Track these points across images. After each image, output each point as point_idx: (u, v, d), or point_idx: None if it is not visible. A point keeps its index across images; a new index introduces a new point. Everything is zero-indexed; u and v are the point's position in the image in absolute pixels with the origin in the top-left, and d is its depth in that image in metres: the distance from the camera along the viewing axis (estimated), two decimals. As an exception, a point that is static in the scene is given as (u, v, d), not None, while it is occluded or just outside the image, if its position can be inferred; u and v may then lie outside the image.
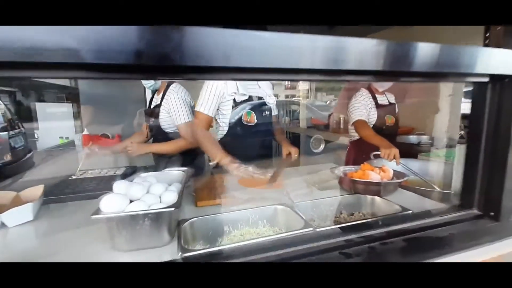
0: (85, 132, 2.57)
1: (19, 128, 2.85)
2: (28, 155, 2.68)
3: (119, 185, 0.85)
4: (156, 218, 0.73)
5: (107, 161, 2.04)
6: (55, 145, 2.70)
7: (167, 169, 1.21)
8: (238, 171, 1.26)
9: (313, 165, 1.87)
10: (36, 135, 2.78)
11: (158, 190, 0.86)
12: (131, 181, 1.01)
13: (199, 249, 0.81)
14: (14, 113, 2.77)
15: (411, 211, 0.99)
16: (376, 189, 1.14)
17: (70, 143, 2.75)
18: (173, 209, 0.72)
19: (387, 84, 2.02)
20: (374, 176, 1.17)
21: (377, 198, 1.15)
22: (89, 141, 2.57)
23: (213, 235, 0.98)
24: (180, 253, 0.73)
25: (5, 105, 2.82)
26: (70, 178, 1.91)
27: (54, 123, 2.90)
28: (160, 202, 0.83)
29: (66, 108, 2.90)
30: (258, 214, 1.05)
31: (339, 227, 0.87)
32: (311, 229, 0.86)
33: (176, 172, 1.18)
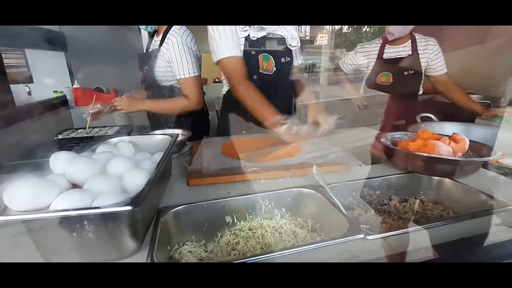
0: (76, 85, 2.26)
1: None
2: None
3: (57, 159, 0.54)
4: (103, 220, 0.43)
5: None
6: (48, 98, 2.44)
7: (151, 133, 0.89)
8: (287, 134, 0.92)
9: (341, 128, 1.49)
10: (27, 88, 2.52)
11: (119, 167, 0.55)
12: (94, 150, 0.71)
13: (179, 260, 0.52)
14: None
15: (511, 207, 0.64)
16: (449, 168, 0.78)
17: (64, 97, 2.49)
18: (126, 208, 0.41)
19: (399, 31, 1.51)
20: (444, 148, 0.81)
21: (446, 180, 0.80)
22: (81, 96, 2.28)
23: (209, 228, 0.69)
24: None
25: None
26: (55, 138, 1.67)
27: (47, 74, 2.60)
28: (124, 189, 0.52)
29: (59, 57, 2.56)
30: (275, 200, 0.74)
31: (406, 232, 0.55)
32: (361, 236, 0.54)
33: (161, 137, 0.85)
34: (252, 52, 1.09)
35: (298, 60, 1.31)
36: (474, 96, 2.23)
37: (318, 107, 1.16)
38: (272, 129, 0.93)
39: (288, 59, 1.21)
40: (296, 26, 1.30)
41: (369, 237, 0.54)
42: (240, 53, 1.08)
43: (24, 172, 0.47)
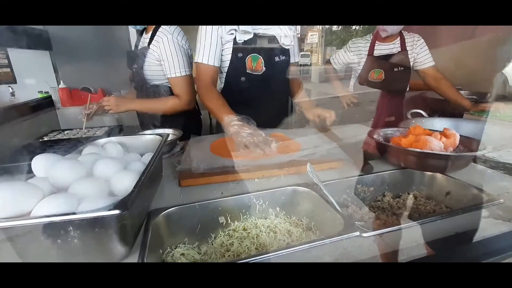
0: (62, 85, 2.19)
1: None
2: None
3: (40, 162, 0.51)
4: (89, 225, 0.41)
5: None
6: (33, 99, 2.37)
7: (140, 133, 0.86)
8: (236, 136, 0.90)
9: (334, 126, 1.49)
10: (11, 89, 2.43)
11: (106, 169, 0.53)
12: (80, 151, 0.68)
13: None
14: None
15: (502, 200, 0.65)
16: (441, 163, 0.78)
17: (49, 98, 2.41)
18: (114, 212, 0.39)
19: (392, 29, 1.56)
20: (436, 144, 0.81)
21: (438, 175, 0.81)
22: (67, 96, 2.21)
23: (203, 229, 0.67)
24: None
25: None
26: (40, 140, 1.61)
27: (31, 73, 2.51)
28: (111, 192, 0.50)
29: (43, 56, 2.47)
30: (269, 199, 0.73)
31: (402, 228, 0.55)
32: (357, 233, 0.53)
33: (151, 137, 0.83)
34: (239, 54, 1.09)
35: (296, 59, 1.29)
36: (462, 92, 2.27)
37: (313, 104, 1.17)
38: (226, 130, 0.95)
39: (283, 57, 1.20)
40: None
41: (364, 234, 0.53)
42: (217, 64, 1.13)
43: (3, 176, 0.45)
